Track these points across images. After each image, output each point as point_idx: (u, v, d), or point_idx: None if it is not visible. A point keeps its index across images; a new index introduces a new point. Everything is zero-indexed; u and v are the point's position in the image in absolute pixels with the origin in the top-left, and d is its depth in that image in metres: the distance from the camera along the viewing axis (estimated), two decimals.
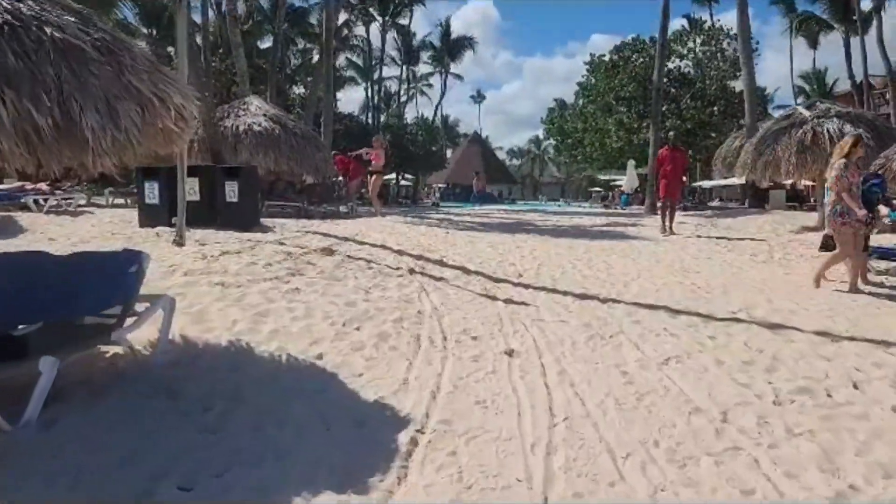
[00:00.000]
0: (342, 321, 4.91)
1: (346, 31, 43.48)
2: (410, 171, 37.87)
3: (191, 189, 9.54)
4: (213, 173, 10.90)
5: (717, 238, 12.08)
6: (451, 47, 49.96)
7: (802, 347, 4.48)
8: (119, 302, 3.81)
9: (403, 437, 3.04)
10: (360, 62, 47.95)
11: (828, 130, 13.21)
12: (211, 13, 29.03)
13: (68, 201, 13.60)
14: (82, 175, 16.14)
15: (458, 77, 59.64)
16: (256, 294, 5.43)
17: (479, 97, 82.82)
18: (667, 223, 13.03)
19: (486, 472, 2.74)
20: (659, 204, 14.79)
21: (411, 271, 7.14)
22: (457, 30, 51.84)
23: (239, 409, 3.32)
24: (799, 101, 38.32)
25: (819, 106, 14.94)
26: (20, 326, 3.48)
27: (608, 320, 5.27)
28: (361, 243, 9.17)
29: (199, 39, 25.76)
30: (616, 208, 30.98)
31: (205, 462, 2.72)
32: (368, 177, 16.40)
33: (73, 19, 3.51)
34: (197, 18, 27.04)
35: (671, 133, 16.55)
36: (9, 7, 3.24)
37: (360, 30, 45.39)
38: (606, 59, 36.85)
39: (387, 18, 45.30)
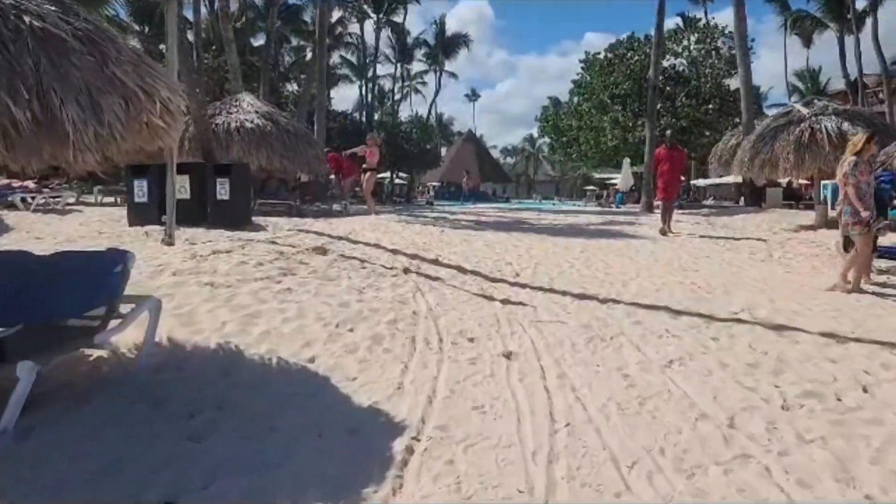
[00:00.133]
0: (335, 322, 4.77)
1: (339, 29, 43.28)
2: (405, 169, 37.70)
3: (181, 187, 9.39)
4: (204, 171, 10.75)
5: (715, 237, 11.98)
6: (445, 45, 49.82)
7: (808, 349, 4.37)
8: (103, 303, 3.67)
9: (399, 445, 2.92)
10: (354, 60, 47.78)
11: (826, 128, 13.14)
12: (203, 10, 28.86)
13: (56, 199, 13.41)
14: (71, 172, 15.93)
15: (453, 75, 59.51)
16: (247, 294, 5.28)
17: (473, 95, 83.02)
18: (667, 224, 12.75)
19: (485, 482, 2.62)
20: (656, 203, 14.67)
21: (406, 271, 7.00)
22: (451, 28, 51.61)
23: (227, 415, 3.19)
24: (793, 99, 38.44)
25: (817, 103, 14.90)
26: None
27: (608, 321, 5.15)
28: (355, 242, 9.03)
29: (191, 36, 25.61)
30: (611, 207, 30.90)
31: (190, 472, 2.60)
32: (362, 175, 16.25)
33: (53, 8, 3.37)
34: (189, 16, 26.95)
35: (668, 131, 16.42)
36: None
37: (354, 27, 45.27)
38: (601, 56, 36.74)
39: (381, 16, 45.12)
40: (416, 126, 38.54)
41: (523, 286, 6.56)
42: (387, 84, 52.16)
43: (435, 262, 7.80)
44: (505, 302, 5.80)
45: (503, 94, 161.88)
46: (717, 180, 30.61)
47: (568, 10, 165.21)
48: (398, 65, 50.46)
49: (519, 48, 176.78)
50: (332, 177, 18.91)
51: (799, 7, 39.78)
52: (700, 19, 39.22)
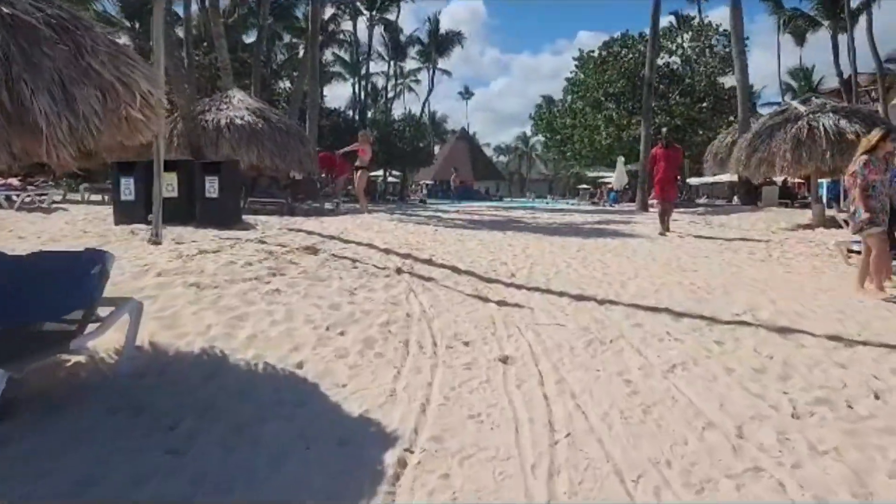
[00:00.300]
0: (325, 325, 4.60)
1: (332, 26, 43.00)
2: (398, 167, 37.52)
3: (168, 185, 9.19)
4: (193, 168, 10.52)
5: (712, 236, 11.85)
6: (439, 43, 49.56)
7: (815, 353, 4.22)
8: (79, 306, 3.51)
9: (391, 458, 2.76)
10: (347, 57, 47.48)
11: (823, 126, 13.03)
12: (195, 7, 28.58)
13: (42, 197, 13.16)
14: (57, 170, 15.67)
15: (446, 73, 59.28)
16: (234, 296, 5.10)
17: (466, 94, 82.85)
18: (665, 225, 12.40)
19: (482, 498, 2.47)
20: (653, 202, 14.51)
21: (399, 271, 6.83)
22: (444, 26, 51.27)
23: (210, 425, 3.02)
24: (787, 98, 38.45)
25: (814, 101, 14.79)
26: None
27: (607, 323, 4.99)
28: (347, 241, 8.85)
29: (181, 32, 25.34)
30: (604, 205, 30.83)
31: (169, 489, 2.45)
32: (355, 172, 16.07)
33: None
34: (180, 11, 26.68)
35: (664, 129, 16.29)
36: None
37: (347, 24, 44.96)
38: (595, 54, 36.63)
39: (374, 13, 44.85)
40: (409, 124, 38.29)
41: (519, 287, 6.40)
42: (380, 82, 51.90)
43: (428, 261, 7.64)
44: (501, 303, 5.64)
45: (497, 92, 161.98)
46: (711, 179, 30.51)
47: (561, 9, 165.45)
48: (391, 62, 50.19)
49: (512, 47, 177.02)
50: (323, 176, 18.69)
51: (793, 6, 39.74)
52: (694, 17, 39.20)
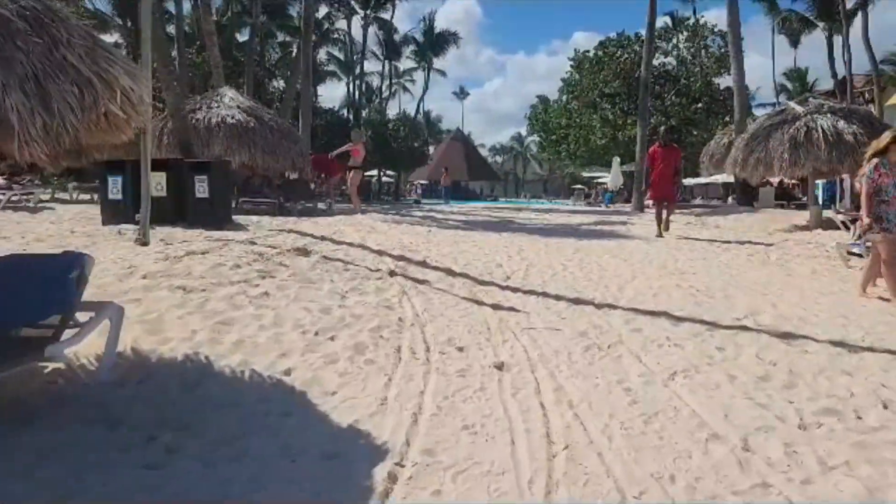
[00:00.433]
0: (314, 330, 4.45)
1: (326, 25, 42.77)
2: (392, 167, 37.30)
3: (157, 184, 9.01)
4: (182, 168, 10.34)
5: (710, 238, 11.73)
6: (434, 42, 49.34)
7: (819, 360, 4.09)
8: (56, 311, 3.35)
9: (380, 472, 2.62)
10: (341, 56, 47.27)
11: (821, 127, 12.94)
12: (187, 5, 28.36)
13: (28, 196, 12.94)
14: (44, 168, 15.45)
15: (441, 73, 59.09)
16: (221, 299, 4.94)
17: (461, 94, 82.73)
18: (661, 225, 12.13)
19: None
20: (649, 202, 14.38)
21: (392, 273, 6.69)
22: (439, 26, 50.99)
23: (191, 437, 2.88)
24: (782, 98, 38.45)
25: (812, 102, 14.70)
26: None
27: (605, 328, 4.86)
28: (339, 243, 8.69)
29: (172, 30, 25.12)
30: (599, 206, 30.72)
31: None
32: (348, 172, 15.91)
33: None
34: (171, 9, 26.45)
35: (661, 128, 16.17)
36: None
37: (341, 23, 44.70)
38: (591, 55, 36.54)
39: (368, 12, 44.59)
40: (403, 124, 38.00)
41: (515, 290, 6.26)
42: (374, 81, 51.66)
43: (422, 263, 7.49)
44: (496, 307, 5.50)
45: (491, 92, 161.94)
46: (706, 179, 30.45)
47: (556, 10, 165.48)
48: (386, 62, 49.98)
49: (507, 47, 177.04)
50: (317, 179, 18.52)
51: (788, 7, 39.74)
52: (689, 18, 39.16)
